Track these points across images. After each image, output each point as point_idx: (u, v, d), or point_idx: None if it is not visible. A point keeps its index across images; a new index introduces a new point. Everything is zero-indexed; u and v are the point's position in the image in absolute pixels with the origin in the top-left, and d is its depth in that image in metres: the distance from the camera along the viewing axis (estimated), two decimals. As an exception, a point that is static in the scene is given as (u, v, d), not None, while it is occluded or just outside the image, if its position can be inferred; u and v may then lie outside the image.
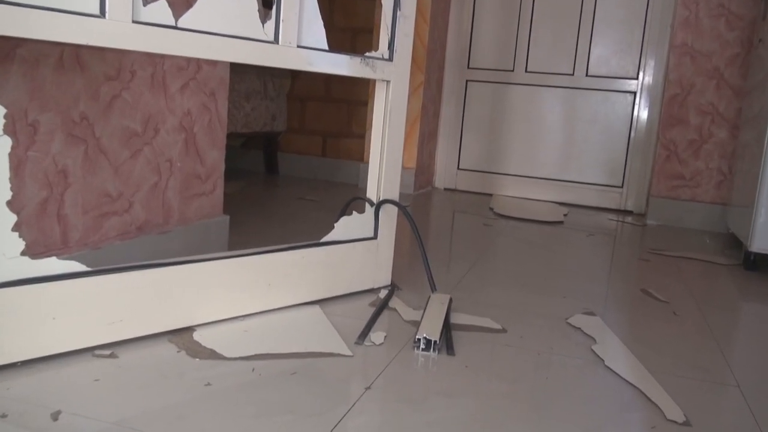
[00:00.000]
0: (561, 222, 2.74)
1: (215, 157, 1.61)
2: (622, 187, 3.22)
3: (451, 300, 1.37)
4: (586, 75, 3.21)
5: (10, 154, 0.99)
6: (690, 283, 1.84)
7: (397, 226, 1.50)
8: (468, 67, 3.42)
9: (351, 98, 3.39)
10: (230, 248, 1.72)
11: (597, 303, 1.55)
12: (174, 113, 1.44)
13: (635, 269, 1.96)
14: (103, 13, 0.95)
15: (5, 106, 1.04)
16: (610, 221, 2.89)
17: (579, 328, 1.34)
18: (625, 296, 1.64)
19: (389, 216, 1.48)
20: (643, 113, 3.15)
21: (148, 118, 1.37)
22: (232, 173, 3.40)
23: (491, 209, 2.92)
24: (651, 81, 3.12)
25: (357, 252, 1.42)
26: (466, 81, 3.43)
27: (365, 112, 3.36)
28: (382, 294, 1.46)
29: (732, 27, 2.75)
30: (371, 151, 1.45)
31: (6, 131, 0.89)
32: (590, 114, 3.23)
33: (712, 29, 2.77)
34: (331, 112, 3.44)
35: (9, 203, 0.91)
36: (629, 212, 3.20)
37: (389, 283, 1.52)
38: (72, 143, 1.19)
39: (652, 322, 1.43)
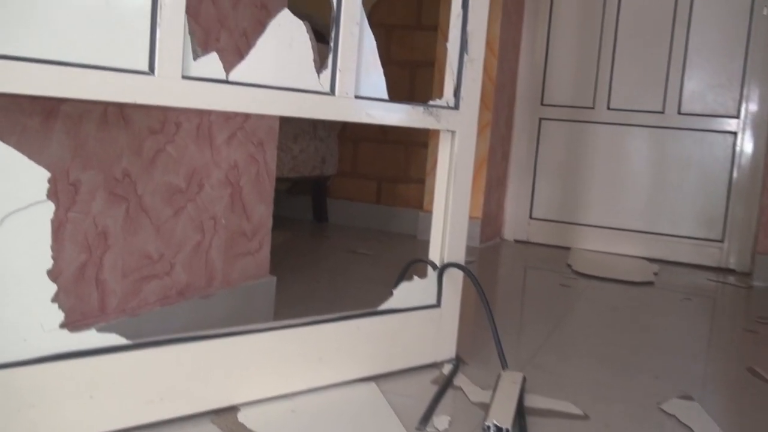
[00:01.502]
0: (651, 282, 2.70)
1: (262, 213, 1.67)
2: (722, 241, 3.16)
3: (524, 379, 1.37)
4: (678, 113, 3.19)
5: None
6: (806, 360, 1.79)
7: (462, 288, 1.52)
8: (542, 104, 3.45)
9: (409, 139, 3.45)
10: (276, 311, 1.76)
11: (695, 384, 1.52)
12: (219, 166, 1.51)
13: (740, 342, 1.92)
14: (152, 69, 1.02)
15: (49, 168, 1.11)
16: (708, 282, 2.83)
17: (673, 416, 1.32)
18: (728, 376, 1.60)
19: (454, 281, 1.50)
20: (745, 156, 3.10)
21: (193, 172, 1.44)
22: (277, 221, 3.48)
23: (569, 266, 2.90)
24: (755, 119, 3.07)
25: (417, 321, 1.44)
26: (540, 119, 3.45)
27: (425, 155, 3.41)
28: (446, 369, 1.46)
29: None
30: (434, 208, 1.48)
31: (48, 195, 0.96)
32: (683, 157, 3.19)
33: (827, 61, 2.73)
34: (386, 154, 3.51)
35: (49, 272, 0.97)
36: (731, 271, 3.13)
37: (453, 356, 1.53)
38: (113, 202, 1.25)
39: (760, 410, 1.40)
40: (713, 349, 1.82)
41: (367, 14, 3.35)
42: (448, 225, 1.46)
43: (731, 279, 2.93)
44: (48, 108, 1.11)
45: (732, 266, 3.15)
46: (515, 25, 3.36)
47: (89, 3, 0.95)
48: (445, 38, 1.37)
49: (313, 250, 2.80)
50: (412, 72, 3.44)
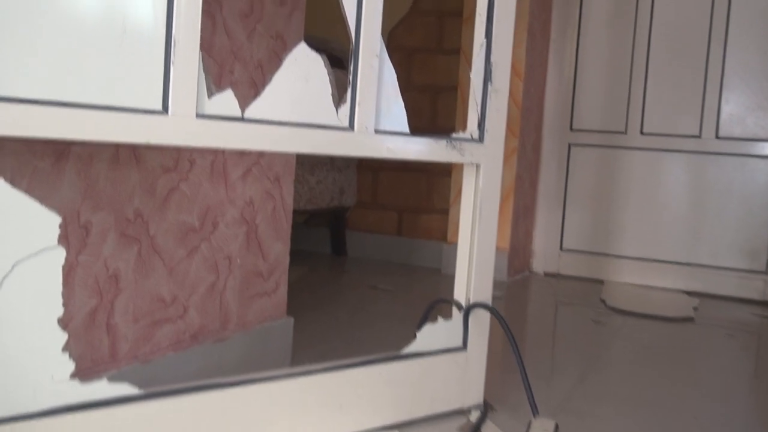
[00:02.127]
0: (691, 318, 2.67)
1: (279, 251, 1.68)
2: (767, 273, 3.13)
3: (556, 426, 1.36)
4: (716, 137, 3.18)
5: (61, 262, 1.07)
6: None
7: (490, 327, 1.52)
8: (571, 129, 3.45)
9: (431, 168, 3.47)
10: (294, 353, 1.76)
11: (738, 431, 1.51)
12: (234, 204, 1.53)
13: (788, 384, 1.89)
14: (165, 108, 1.04)
15: (59, 210, 1.13)
16: (753, 316, 2.80)
17: (718, 466, 1.31)
18: (775, 422, 1.59)
19: (481, 322, 1.50)
20: (790, 183, 3.08)
21: (207, 210, 1.46)
22: (294, 255, 3.49)
23: (603, 301, 2.89)
24: (799, 143, 3.06)
25: (442, 365, 1.44)
26: (569, 145, 3.46)
27: (448, 184, 3.42)
28: (473, 416, 1.46)
29: None
30: (459, 246, 1.49)
31: (59, 240, 0.98)
32: (723, 184, 3.18)
33: None
34: (407, 183, 3.52)
35: (60, 320, 0.98)
36: (777, 304, 3.10)
37: (481, 402, 1.52)
38: (125, 244, 1.27)
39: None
40: (760, 393, 1.80)
41: (386, 38, 3.40)
42: (473, 263, 1.47)
43: (777, 313, 2.91)
44: (59, 149, 1.13)
45: (778, 299, 3.12)
46: (541, 46, 3.38)
47: (101, 42, 0.98)
48: (468, 63, 1.38)
49: (332, 286, 2.81)
50: (433, 97, 3.46)
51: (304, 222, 3.72)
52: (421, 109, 3.48)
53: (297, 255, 3.51)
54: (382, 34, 1.29)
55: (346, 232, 3.63)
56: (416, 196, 3.51)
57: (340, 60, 3.15)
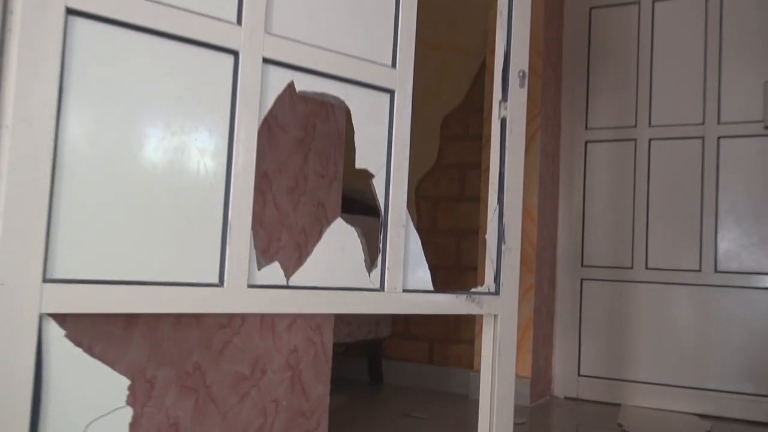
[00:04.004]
0: (704, 443, 2.58)
1: (320, 392, 1.69)
2: (773, 396, 3.02)
3: None
4: (715, 271, 3.16)
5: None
6: None
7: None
8: (582, 265, 3.46)
9: (458, 301, 3.47)
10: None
11: None
12: (281, 352, 1.56)
13: None
14: (221, 281, 1.09)
15: (128, 368, 1.17)
16: (763, 440, 2.69)
17: None
18: None
19: (503, 460, 1.47)
20: (787, 312, 3.03)
21: (257, 359, 1.48)
22: (334, 383, 3.47)
23: (620, 425, 2.80)
24: (791, 276, 3.03)
25: (470, 502, 1.41)
26: (581, 280, 3.46)
27: (473, 318, 3.41)
28: None
29: None
30: (480, 394, 1.48)
31: (127, 400, 1.01)
32: (725, 313, 3.13)
33: None
34: (437, 315, 3.52)
35: (125, 472, 1.00)
36: (786, 427, 2.97)
37: None
38: (184, 394, 1.30)
39: None
40: None
41: (415, 188, 3.51)
42: (494, 410, 1.46)
43: (787, 436, 2.79)
44: (128, 318, 1.18)
45: (786, 422, 2.99)
46: (552, 193, 3.45)
47: (169, 227, 1.04)
48: (486, 209, 1.43)
49: (369, 414, 2.77)
50: (458, 239, 3.51)
51: (344, 353, 3.71)
52: (447, 250, 3.52)
53: (338, 383, 3.49)
54: (411, 181, 1.35)
55: (382, 360, 3.61)
56: (445, 328, 3.50)
57: (372, 208, 3.23)
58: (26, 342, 0.89)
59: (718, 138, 3.22)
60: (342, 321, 3.01)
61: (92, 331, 1.12)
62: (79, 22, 0.96)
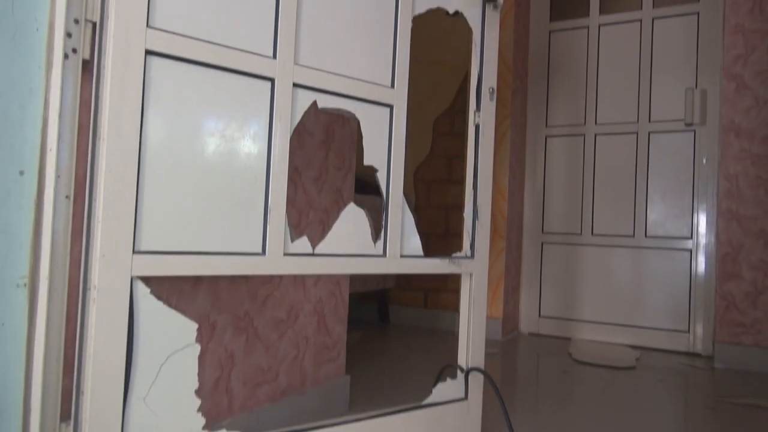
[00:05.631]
0: (633, 367, 2.63)
1: (339, 331, 1.75)
2: (688, 332, 3.07)
3: (531, 457, 1.37)
4: (645, 236, 3.20)
5: (197, 350, 1.16)
6: (755, 435, 1.72)
7: (483, 383, 1.55)
8: (542, 232, 3.50)
9: (447, 260, 3.51)
10: (351, 401, 1.80)
11: (664, 458, 1.49)
12: (310, 301, 1.62)
13: (702, 421, 1.86)
14: (264, 251, 1.15)
15: (196, 315, 1.23)
16: (680, 365, 2.74)
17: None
18: (691, 451, 1.56)
19: (477, 380, 1.53)
20: (700, 268, 3.06)
21: (291, 307, 1.55)
22: (351, 322, 3.54)
23: (569, 354, 2.86)
24: (704, 240, 3.06)
25: (451, 412, 1.47)
26: (542, 243, 3.49)
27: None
28: (473, 448, 1.48)
29: (771, 195, 2.70)
30: (459, 330, 1.54)
31: (196, 338, 1.07)
32: (653, 269, 3.17)
33: (754, 198, 2.74)
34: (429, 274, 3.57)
35: (196, 391, 1.07)
36: (698, 355, 3.02)
37: (479, 437, 1.54)
38: (237, 334, 1.36)
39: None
40: (679, 428, 1.78)
41: (413, 173, 3.53)
42: (470, 341, 1.52)
43: (698, 362, 2.83)
44: (196, 278, 1.24)
45: (698, 351, 3.04)
46: (519, 177, 3.47)
47: (223, 211, 1.09)
48: (466, 196, 1.47)
49: (378, 346, 2.85)
50: (446, 213, 3.55)
51: (359, 299, 3.78)
52: (438, 221, 3.57)
53: (355, 322, 3.56)
54: (409, 166, 1.39)
55: (389, 305, 3.67)
56: (437, 281, 3.56)
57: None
58: (123, 297, 0.95)
59: (649, 133, 3.22)
60: (357, 276, 3.07)
61: (169, 289, 1.18)
62: (155, 60, 1.01)
